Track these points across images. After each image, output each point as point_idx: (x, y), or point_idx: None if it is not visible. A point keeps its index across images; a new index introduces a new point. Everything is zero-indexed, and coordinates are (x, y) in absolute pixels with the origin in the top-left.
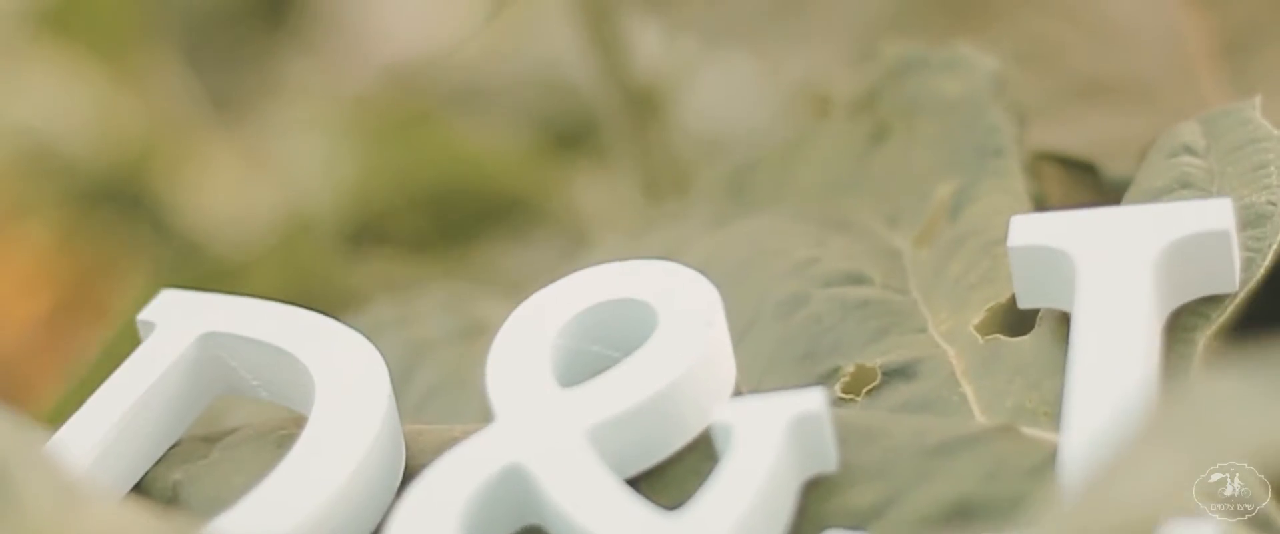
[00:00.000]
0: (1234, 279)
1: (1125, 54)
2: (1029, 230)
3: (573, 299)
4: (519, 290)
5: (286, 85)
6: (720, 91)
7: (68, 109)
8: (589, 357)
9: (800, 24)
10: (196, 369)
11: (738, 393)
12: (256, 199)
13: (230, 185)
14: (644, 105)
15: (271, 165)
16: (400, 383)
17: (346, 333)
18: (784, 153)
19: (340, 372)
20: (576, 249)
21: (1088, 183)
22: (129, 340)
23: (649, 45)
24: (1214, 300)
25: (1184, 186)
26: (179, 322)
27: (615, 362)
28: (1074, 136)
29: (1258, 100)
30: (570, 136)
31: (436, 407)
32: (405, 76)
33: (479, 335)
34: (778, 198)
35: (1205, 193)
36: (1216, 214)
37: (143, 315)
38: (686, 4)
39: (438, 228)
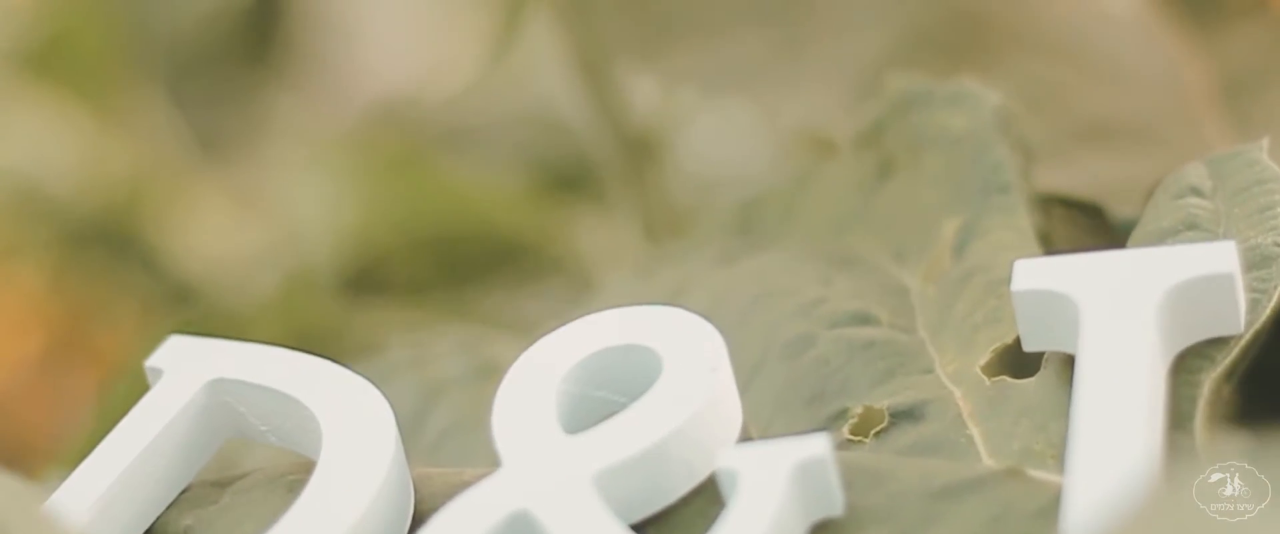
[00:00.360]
0: (1239, 321)
1: (1126, 95)
2: (1032, 274)
3: (577, 345)
4: (525, 333)
5: (273, 123)
6: (718, 136)
7: (54, 151)
8: (594, 402)
9: (797, 70)
10: (205, 415)
11: (746, 435)
12: (247, 239)
13: (220, 225)
14: (641, 150)
15: (262, 205)
16: (414, 424)
17: (353, 378)
18: (790, 188)
19: (347, 417)
20: (579, 292)
21: (1094, 225)
22: (136, 386)
23: (645, 92)
24: (1219, 342)
25: (1190, 228)
26: (187, 368)
27: (621, 406)
28: (1077, 178)
29: (1265, 142)
30: (567, 178)
31: (451, 448)
32: (395, 114)
33: (493, 376)
34: (785, 233)
35: (1211, 234)
36: (1221, 257)
37: (150, 361)
38: (681, 53)
39: (438, 271)
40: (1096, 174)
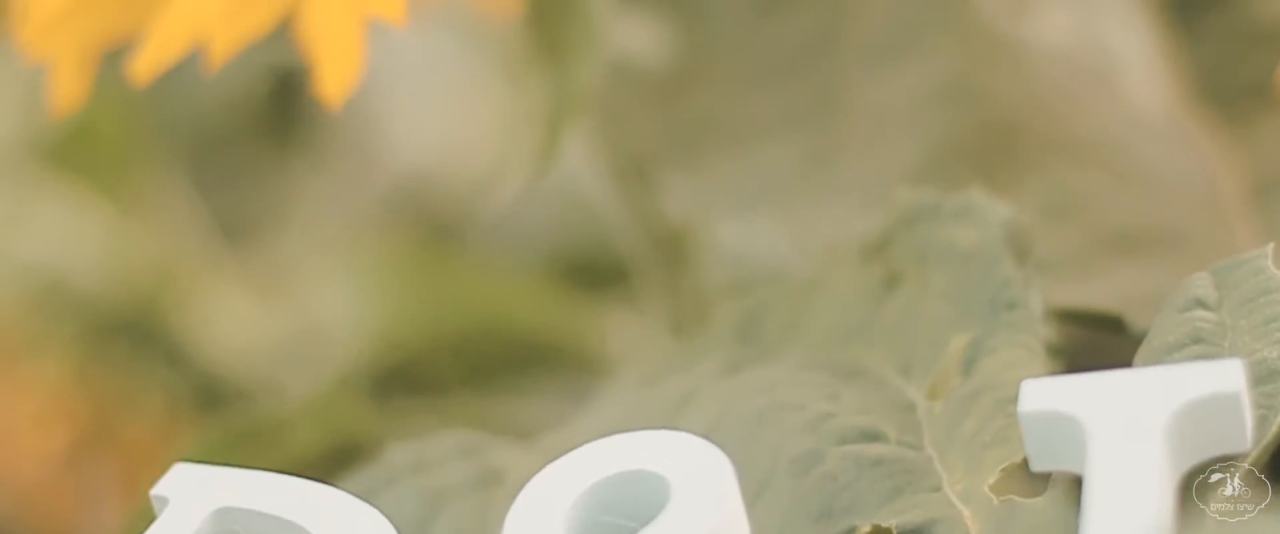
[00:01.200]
0: (1246, 439)
1: (1158, 201)
2: (1039, 396)
3: (586, 471)
4: (544, 436)
5: (299, 209)
6: (750, 243)
7: (78, 243)
8: (603, 527)
9: (829, 182)
10: None
11: None
12: (273, 331)
13: (245, 316)
14: (673, 249)
15: (287, 294)
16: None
17: (358, 505)
18: (796, 296)
19: None
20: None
21: (1113, 338)
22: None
23: (677, 194)
24: (1226, 460)
25: (1195, 342)
26: (192, 496)
27: (630, 532)
28: (1104, 290)
29: (1269, 248)
30: (597, 272)
31: None
32: (422, 201)
33: (496, 485)
34: (790, 341)
35: (1217, 348)
36: (1227, 376)
37: (156, 490)
38: (714, 163)
39: (467, 371)
40: (1125, 285)
